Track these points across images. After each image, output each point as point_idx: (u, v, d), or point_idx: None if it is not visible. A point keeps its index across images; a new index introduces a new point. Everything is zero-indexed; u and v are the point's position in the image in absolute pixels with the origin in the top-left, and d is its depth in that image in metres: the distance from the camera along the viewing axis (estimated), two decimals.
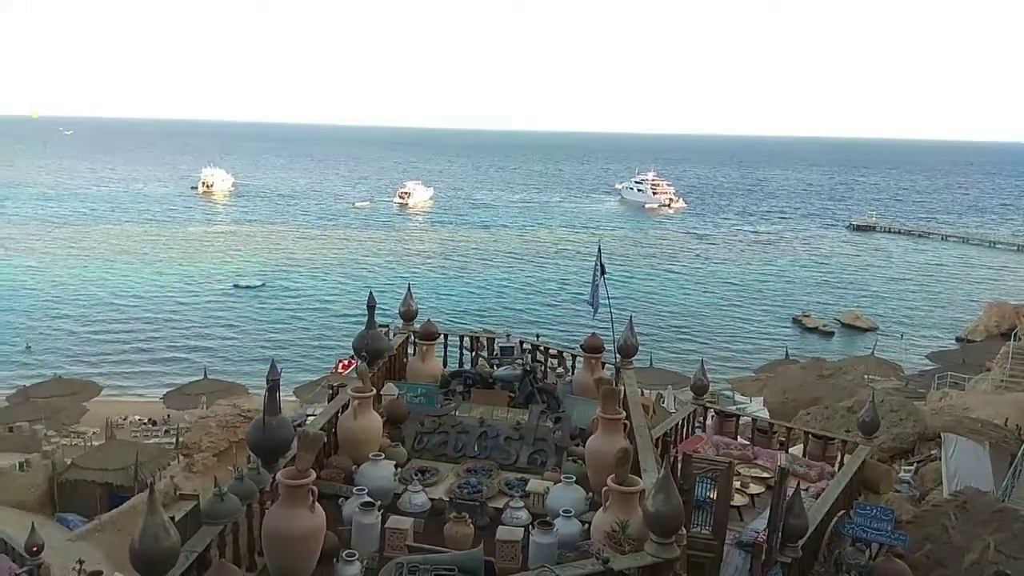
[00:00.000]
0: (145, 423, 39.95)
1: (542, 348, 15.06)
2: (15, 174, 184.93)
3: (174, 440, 35.28)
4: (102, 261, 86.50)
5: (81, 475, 30.35)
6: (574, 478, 9.33)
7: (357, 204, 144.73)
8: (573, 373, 13.85)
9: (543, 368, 14.57)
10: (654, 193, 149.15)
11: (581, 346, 13.03)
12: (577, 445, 10.71)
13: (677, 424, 14.38)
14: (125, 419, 39.92)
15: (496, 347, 14.54)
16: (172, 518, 6.48)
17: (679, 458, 11.11)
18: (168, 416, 40.12)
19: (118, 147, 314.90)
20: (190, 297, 72.82)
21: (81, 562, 14.88)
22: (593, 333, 12.81)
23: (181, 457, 30.60)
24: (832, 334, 64.04)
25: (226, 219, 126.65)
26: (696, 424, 15.08)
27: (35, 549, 15.06)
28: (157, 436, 37.47)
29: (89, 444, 35.10)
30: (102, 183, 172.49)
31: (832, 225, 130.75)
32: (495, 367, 13.76)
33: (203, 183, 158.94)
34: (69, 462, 31.39)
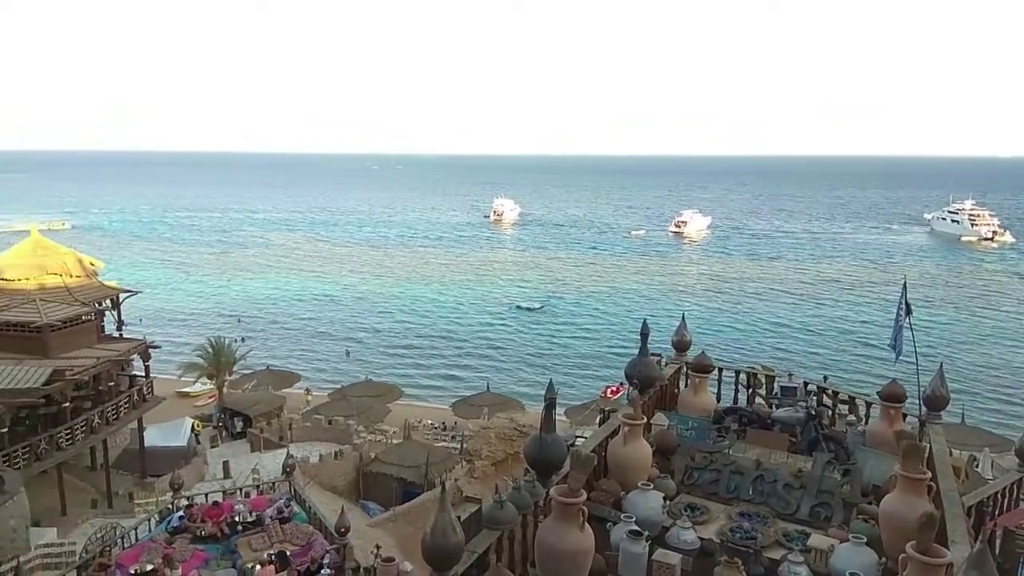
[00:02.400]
0: (436, 427, 43.91)
1: (830, 392, 13.84)
2: (346, 203, 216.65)
3: (459, 446, 38.28)
4: (404, 281, 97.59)
5: (381, 468, 34.21)
6: (864, 539, 8.40)
7: (632, 232, 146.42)
8: (866, 423, 12.52)
9: (830, 414, 13.39)
10: (973, 224, 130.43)
11: (878, 393, 11.75)
12: (869, 503, 9.65)
13: (996, 493, 12.28)
14: (420, 422, 44.25)
15: (776, 386, 13.68)
16: (458, 518, 7.01)
17: (998, 532, 9.49)
18: (455, 423, 43.72)
19: (430, 180, 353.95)
20: (477, 316, 79.12)
21: (378, 547, 16.72)
22: (893, 380, 11.49)
23: (464, 462, 33.06)
24: None
25: (511, 245, 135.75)
26: (1021, 496, 12.77)
27: (343, 530, 17.24)
28: (445, 441, 40.92)
29: (390, 441, 39.44)
30: (408, 212, 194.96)
31: None
32: (774, 407, 12.96)
33: (494, 212, 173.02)
34: (373, 455, 35.53)
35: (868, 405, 12.84)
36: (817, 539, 8.96)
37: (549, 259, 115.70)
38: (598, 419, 15.65)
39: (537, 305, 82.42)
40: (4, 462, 27.14)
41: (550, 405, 9.22)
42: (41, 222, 64.41)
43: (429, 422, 44.90)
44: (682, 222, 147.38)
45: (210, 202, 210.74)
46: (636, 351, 12.59)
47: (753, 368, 15.14)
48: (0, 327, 33.35)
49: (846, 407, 13.49)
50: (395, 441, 39.10)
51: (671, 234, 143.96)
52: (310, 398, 49.31)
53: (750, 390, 14.39)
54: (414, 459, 33.86)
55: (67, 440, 30.91)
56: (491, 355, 65.20)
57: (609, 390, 46.83)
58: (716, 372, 14.14)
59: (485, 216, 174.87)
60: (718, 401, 13.83)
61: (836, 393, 13.85)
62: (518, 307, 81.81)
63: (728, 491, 10.37)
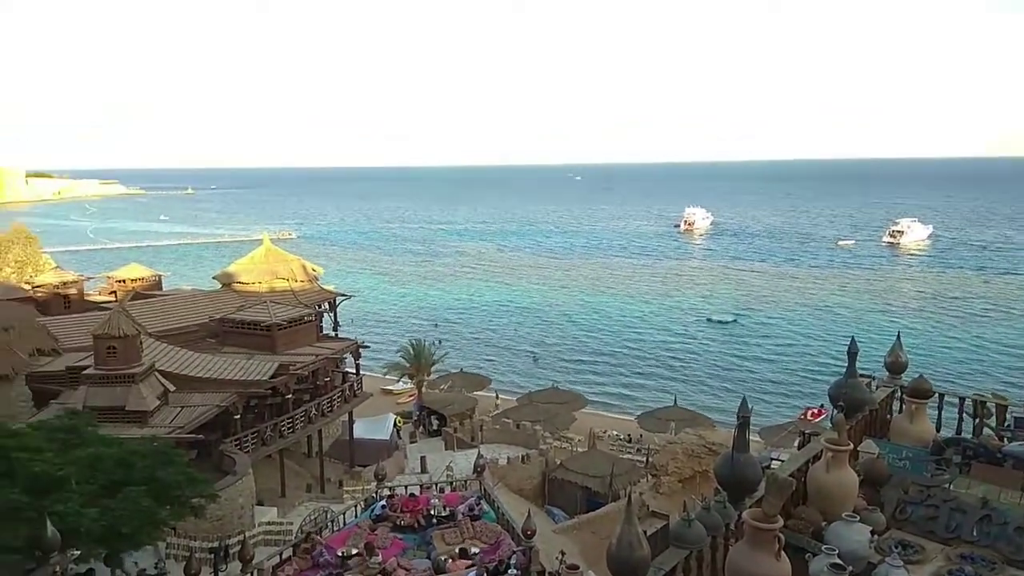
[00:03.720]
0: (621, 439, 43.63)
1: None
2: (533, 214, 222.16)
3: (644, 459, 37.75)
4: (589, 291, 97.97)
5: (566, 475, 34.58)
6: None
7: (840, 242, 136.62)
8: None
9: None
10: None
11: None
12: None
13: None
14: (605, 432, 44.19)
15: (1009, 416, 12.16)
16: (644, 532, 6.93)
17: None
18: (640, 436, 43.17)
19: (614, 190, 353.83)
20: (664, 328, 77.58)
21: (563, 553, 16.92)
22: None
23: (650, 476, 32.54)
24: None
25: (703, 255, 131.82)
26: None
27: (529, 533, 17.59)
28: (630, 453, 40.54)
29: (574, 449, 39.77)
30: (595, 222, 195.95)
31: None
32: (1006, 440, 11.52)
33: (685, 221, 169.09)
34: (559, 462, 36.01)
35: None
36: None
37: (742, 270, 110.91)
38: (796, 442, 14.79)
39: (729, 318, 79.23)
40: (236, 446, 30.71)
41: (744, 423, 8.86)
42: (271, 232, 72.25)
43: (614, 433, 44.69)
44: (898, 231, 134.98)
45: (408, 214, 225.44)
46: (841, 371, 11.78)
47: (981, 395, 13.55)
48: (236, 325, 37.89)
49: None
50: (580, 449, 39.35)
51: (884, 244, 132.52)
52: (499, 402, 50.98)
53: (977, 420, 12.90)
54: (598, 469, 33.87)
55: (288, 428, 34.38)
56: (677, 368, 63.65)
57: (810, 412, 44.08)
58: (936, 398, 12.84)
59: (675, 225, 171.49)
60: (937, 430, 12.55)
61: None
62: (708, 320, 79.19)
63: (947, 530, 9.36)
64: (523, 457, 36.66)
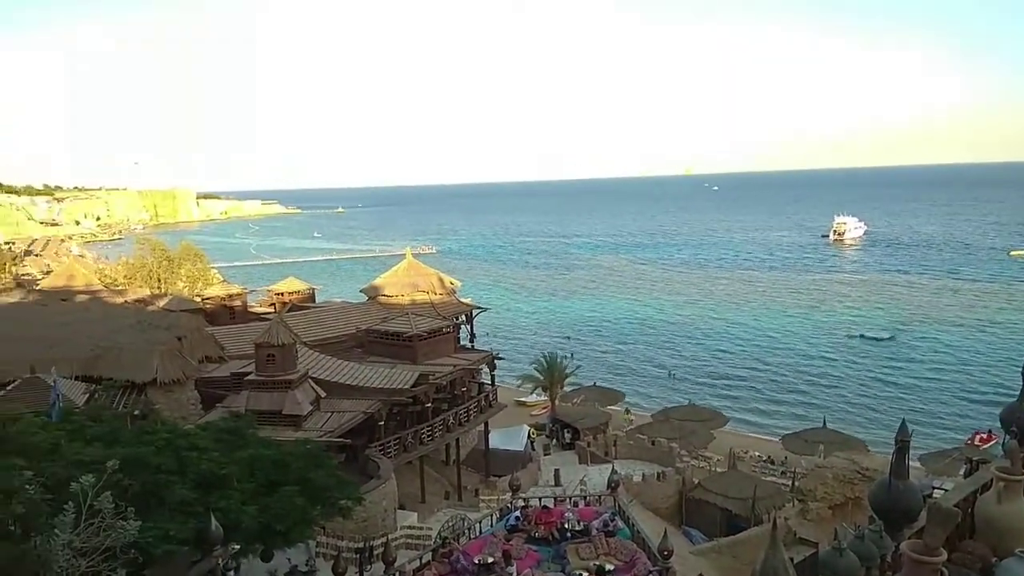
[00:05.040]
0: (763, 460, 41.75)
1: None
2: (664, 225, 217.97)
3: (790, 483, 35.88)
4: (727, 305, 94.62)
5: (705, 496, 33.45)
6: None
7: (1012, 253, 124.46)
8: None
9: None
10: None
11: None
12: None
13: None
14: (746, 453, 42.49)
15: None
16: (791, 559, 6.62)
17: None
18: (785, 458, 41.11)
19: (754, 200, 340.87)
20: (813, 344, 73.58)
21: None
22: None
23: (796, 501, 30.84)
24: None
25: (854, 267, 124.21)
26: None
27: (666, 553, 17.12)
28: (774, 475, 38.67)
29: (713, 469, 38.44)
30: (731, 232, 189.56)
31: None
32: None
33: (834, 231, 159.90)
34: (696, 482, 34.90)
35: None
36: None
37: (898, 284, 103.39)
38: (963, 470, 13.63)
39: (886, 335, 73.97)
40: (380, 451, 32.06)
41: (902, 448, 8.29)
42: (413, 247, 75.40)
43: (756, 454, 42.84)
44: None
45: (538, 228, 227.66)
46: (1013, 394, 10.76)
47: None
48: (381, 335, 39.67)
49: None
50: (719, 469, 37.98)
51: None
52: (632, 417, 50.23)
53: None
54: (739, 490, 32.53)
55: (428, 436, 35.47)
56: (828, 388, 60.15)
57: (978, 437, 40.93)
58: None
59: (823, 235, 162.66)
60: None
61: None
62: (861, 336, 74.35)
63: None
64: (659, 475, 35.85)
